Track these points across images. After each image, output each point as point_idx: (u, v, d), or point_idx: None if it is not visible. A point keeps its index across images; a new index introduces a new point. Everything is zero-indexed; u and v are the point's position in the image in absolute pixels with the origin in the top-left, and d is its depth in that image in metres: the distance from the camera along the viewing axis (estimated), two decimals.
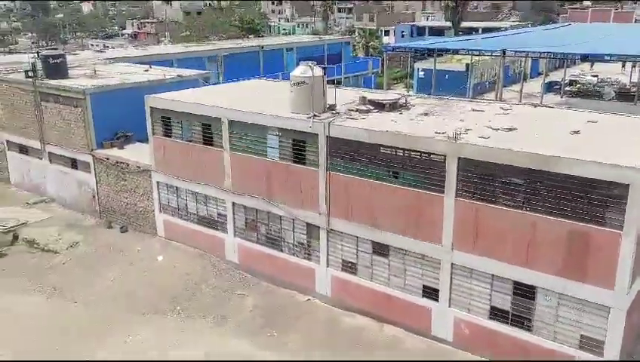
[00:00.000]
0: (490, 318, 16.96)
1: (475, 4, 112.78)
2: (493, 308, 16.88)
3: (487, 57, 46.80)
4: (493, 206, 16.09)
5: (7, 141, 31.92)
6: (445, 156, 16.58)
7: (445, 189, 16.75)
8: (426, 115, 20.12)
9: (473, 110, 20.82)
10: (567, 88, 48.23)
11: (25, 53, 44.83)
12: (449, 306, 17.65)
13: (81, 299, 21.98)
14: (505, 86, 44.89)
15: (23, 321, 20.52)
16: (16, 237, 26.73)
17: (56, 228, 27.04)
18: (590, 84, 49.17)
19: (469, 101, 24.52)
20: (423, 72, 51.13)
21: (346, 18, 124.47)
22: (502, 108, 21.38)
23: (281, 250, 21.51)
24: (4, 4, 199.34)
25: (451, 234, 17.00)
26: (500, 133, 17.43)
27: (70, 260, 24.77)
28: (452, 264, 17.26)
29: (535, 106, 22.96)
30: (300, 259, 21.05)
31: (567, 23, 74.88)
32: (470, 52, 43.71)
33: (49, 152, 29.64)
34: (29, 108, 29.70)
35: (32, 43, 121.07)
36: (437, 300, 17.86)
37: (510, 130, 17.72)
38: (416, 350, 17.87)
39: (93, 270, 23.78)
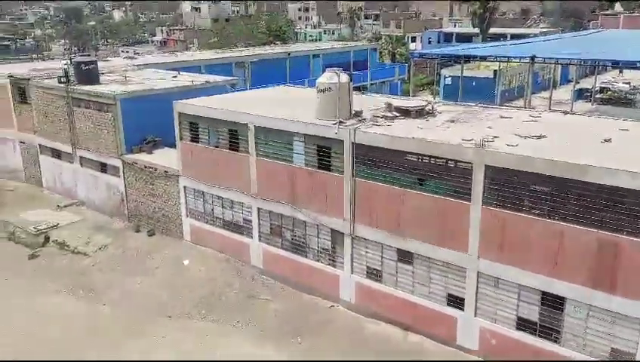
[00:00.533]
0: (518, 329, 16.68)
1: (504, 11, 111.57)
2: (520, 318, 16.60)
3: (515, 64, 46.22)
4: (520, 214, 15.85)
5: (40, 145, 32.71)
6: (472, 164, 16.41)
7: (472, 197, 16.58)
8: (452, 122, 19.96)
9: (501, 117, 20.58)
10: (597, 95, 47.27)
11: (58, 59, 45.99)
12: (475, 315, 17.42)
13: (110, 301, 22.36)
14: (534, 93, 44.23)
15: (53, 322, 20.95)
16: (47, 239, 27.34)
17: (86, 231, 27.58)
18: (622, 91, 48.07)
19: (496, 108, 24.25)
20: (449, 79, 50.72)
21: (373, 25, 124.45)
22: (531, 115, 21.08)
23: (306, 256, 21.53)
24: (39, 12, 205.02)
25: (477, 242, 16.79)
26: (528, 140, 17.18)
27: (99, 262, 25.23)
28: (478, 273, 17.04)
29: (565, 114, 22.59)
30: (324, 265, 21.04)
31: (598, 30, 73.52)
32: (498, 58, 43.19)
33: (80, 156, 30.27)
34: (62, 114, 30.40)
35: (65, 49, 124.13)
36: (462, 309, 17.65)
37: (539, 137, 17.46)
38: (441, 359, 17.68)
39: (121, 272, 24.17)
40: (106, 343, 19.45)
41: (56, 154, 31.94)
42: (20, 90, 32.74)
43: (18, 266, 25.77)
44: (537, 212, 15.58)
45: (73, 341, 19.60)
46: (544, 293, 15.95)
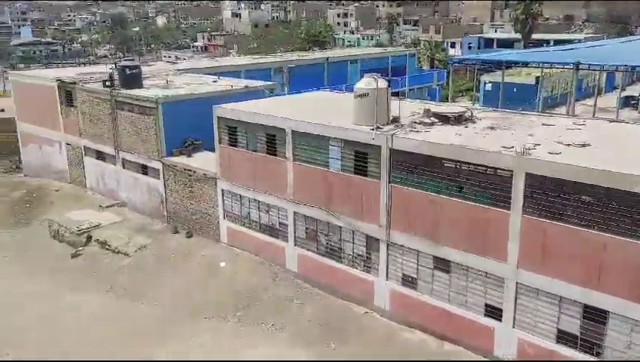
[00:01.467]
0: (557, 341, 16.21)
1: (547, 16, 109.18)
2: (560, 331, 16.13)
3: (558, 70, 45.13)
4: (562, 224, 15.43)
5: (85, 147, 33.69)
6: (512, 171, 16.09)
7: (511, 205, 16.25)
8: (492, 128, 19.63)
9: (543, 124, 20.13)
10: None
11: (103, 63, 47.36)
12: (513, 327, 17.03)
13: (148, 301, 22.81)
14: (577, 100, 43.08)
15: (92, 320, 21.51)
16: (89, 239, 28.10)
17: (126, 231, 28.23)
18: None
19: (538, 115, 23.73)
20: (490, 85, 49.93)
21: (412, 30, 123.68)
22: (574, 123, 20.54)
23: (341, 261, 21.48)
24: (86, 18, 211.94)
25: (517, 252, 16.44)
26: (571, 148, 16.74)
27: (138, 262, 25.77)
28: (517, 283, 16.66)
29: (610, 122, 21.90)
30: (359, 271, 20.94)
31: None
32: (541, 64, 42.29)
33: (122, 158, 31.02)
34: (106, 116, 31.26)
35: (110, 54, 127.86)
36: (500, 320, 17.28)
37: (583, 145, 16.98)
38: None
39: (159, 273, 24.63)
40: (143, 342, 19.83)
41: (100, 155, 32.83)
42: (67, 94, 33.82)
43: (61, 264, 26.60)
44: (580, 222, 15.14)
45: (113, 340, 20.06)
46: (586, 306, 15.46)
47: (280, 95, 34.06)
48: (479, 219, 17.05)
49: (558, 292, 15.88)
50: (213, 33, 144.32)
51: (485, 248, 17.12)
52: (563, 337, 16.11)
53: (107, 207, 31.49)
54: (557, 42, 69.79)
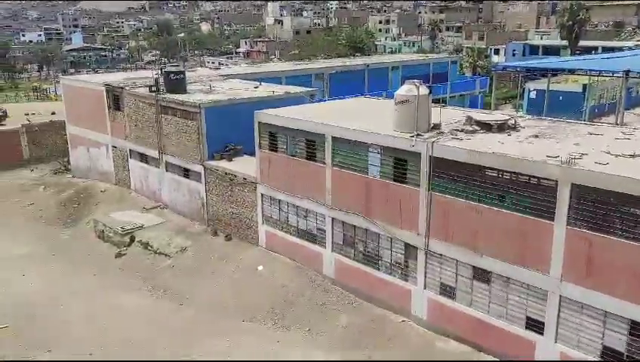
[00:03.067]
0: (602, 358, 15.64)
1: (595, 23, 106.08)
2: (605, 347, 15.57)
3: (606, 78, 43.78)
4: (609, 237, 14.93)
5: (130, 150, 34.58)
6: (557, 181, 15.70)
7: (555, 216, 15.85)
8: (536, 137, 19.22)
9: (590, 134, 19.57)
10: None
11: (149, 69, 48.52)
12: (555, 341, 16.55)
13: (187, 302, 23.19)
14: (627, 109, 41.67)
15: (133, 319, 21.99)
16: (132, 239, 28.80)
17: (168, 233, 28.80)
18: None
19: (585, 124, 23.07)
20: (534, 93, 48.88)
21: (454, 36, 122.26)
22: (623, 132, 19.87)
23: (378, 269, 21.35)
24: (134, 24, 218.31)
25: (560, 264, 16.01)
26: (620, 159, 16.19)
27: (179, 264, 26.25)
28: (560, 296, 16.21)
29: None
30: (397, 278, 20.77)
31: None
32: (588, 72, 41.10)
33: (165, 161, 31.68)
34: (151, 120, 32.01)
35: (156, 60, 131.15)
36: (542, 333, 16.83)
37: (632, 156, 16.40)
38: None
39: (198, 275, 25.02)
40: (182, 343, 20.15)
41: (144, 158, 33.61)
42: (115, 98, 34.81)
43: (106, 263, 27.35)
44: (628, 235, 14.60)
45: (153, 340, 20.45)
46: (633, 322, 14.88)
47: (320, 101, 34.18)
48: (521, 230, 16.68)
49: (603, 306, 15.36)
50: (255, 40, 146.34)
51: (527, 259, 16.73)
52: (608, 354, 15.54)
53: (150, 208, 32.19)
54: (605, 49, 67.71)
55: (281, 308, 21.91)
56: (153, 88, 31.42)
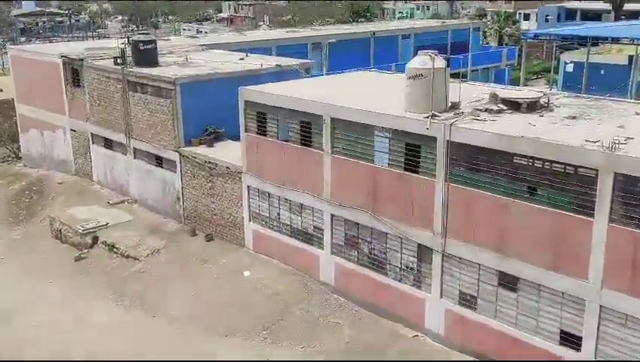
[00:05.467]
0: None
1: None
2: None
3: None
4: None
5: (92, 134, 34.46)
6: (597, 171, 15.70)
7: (596, 212, 15.87)
8: (573, 118, 19.22)
9: (637, 114, 19.58)
10: None
11: (114, 37, 48.32)
12: (595, 358, 16.63)
13: (160, 313, 23.22)
14: None
15: (98, 333, 22.01)
16: (95, 240, 28.75)
17: (137, 233, 28.78)
18: None
19: (631, 102, 23.04)
20: (571, 66, 48.86)
21: None
22: None
23: (386, 274, 21.39)
24: None
25: (601, 268, 16.06)
26: None
27: (150, 269, 26.25)
28: (600, 306, 16.27)
29: None
30: (408, 286, 20.82)
31: None
32: (635, 41, 41.02)
33: (134, 148, 31.61)
34: (116, 99, 31.90)
35: (122, 27, 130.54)
36: (579, 350, 16.93)
37: None
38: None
39: (174, 281, 25.04)
40: (152, 359, 20.18)
41: (109, 144, 33.55)
42: (73, 72, 34.61)
43: (63, 268, 27.33)
44: None
45: (121, 356, 20.46)
46: None
47: (318, 76, 34.08)
48: (555, 228, 16.72)
49: None
50: (240, 3, 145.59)
51: (562, 263, 16.77)
52: None
53: (116, 203, 32.13)
54: None
55: (272, 320, 21.95)
56: (119, 60, 31.23)
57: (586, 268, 16.34)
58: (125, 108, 31.30)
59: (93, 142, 34.64)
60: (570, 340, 17.12)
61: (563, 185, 16.53)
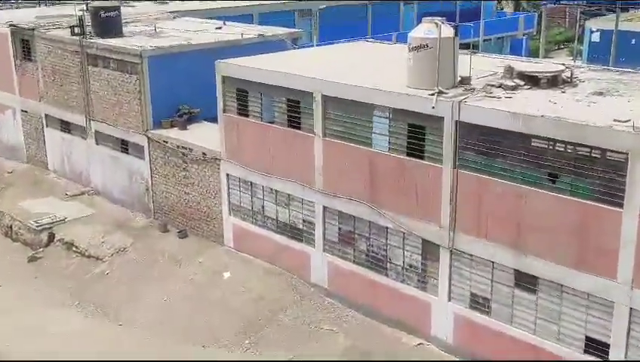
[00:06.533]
0: None
1: None
2: None
3: None
4: None
5: (47, 115, 34.26)
6: (627, 154, 15.78)
7: (625, 202, 15.95)
8: (600, 94, 19.30)
9: None
10: None
11: (71, 3, 47.81)
12: None
13: (127, 321, 23.22)
14: None
15: (57, 344, 21.94)
16: (52, 237, 28.69)
17: (100, 229, 28.67)
18: None
19: None
20: (597, 34, 48.95)
21: None
22: None
23: (386, 274, 21.48)
24: None
25: (631, 266, 16.15)
26: None
27: (116, 270, 26.22)
28: (631, 309, 16.39)
29: None
30: (412, 287, 20.92)
31: None
32: None
33: (95, 131, 31.47)
34: (75, 75, 31.71)
35: None
36: (606, 358, 17.05)
37: None
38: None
39: (143, 285, 25.03)
40: None
41: (66, 127, 33.38)
42: (24, 43, 34.38)
43: (15, 270, 27.25)
44: None
45: None
46: None
47: (307, 47, 34.01)
48: (580, 221, 16.80)
49: None
50: None
51: (587, 260, 16.87)
52: None
53: (75, 195, 32.05)
54: None
55: (256, 328, 22.01)
56: (77, 30, 31.04)
57: (614, 266, 16.42)
58: (85, 86, 31.12)
59: (47, 125, 34.47)
60: (596, 347, 17.24)
61: (588, 171, 16.58)
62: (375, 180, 20.91)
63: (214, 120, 26.18)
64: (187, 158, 27.14)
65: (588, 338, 17.39)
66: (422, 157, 19.74)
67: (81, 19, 30.97)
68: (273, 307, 22.81)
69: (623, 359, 15.82)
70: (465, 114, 18.41)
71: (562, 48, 61.32)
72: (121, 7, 33.71)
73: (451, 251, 19.58)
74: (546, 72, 20.44)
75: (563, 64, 23.07)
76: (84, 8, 31.78)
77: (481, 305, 19.36)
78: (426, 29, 19.88)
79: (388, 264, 21.44)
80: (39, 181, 34.16)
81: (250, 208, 25.34)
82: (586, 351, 17.45)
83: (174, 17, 37.77)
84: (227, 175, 25.73)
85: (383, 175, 20.68)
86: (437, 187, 19.40)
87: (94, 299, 24.66)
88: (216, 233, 26.85)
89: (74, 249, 27.83)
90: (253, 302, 23.13)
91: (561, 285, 17.54)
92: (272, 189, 24.29)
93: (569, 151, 16.84)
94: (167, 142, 27.83)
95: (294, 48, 30.57)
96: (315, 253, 23.38)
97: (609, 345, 16.99)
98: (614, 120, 16.51)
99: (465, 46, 24.69)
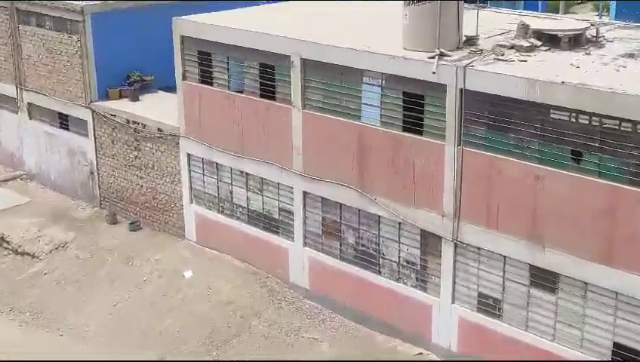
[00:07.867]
0: None
1: None
2: None
3: None
4: None
5: None
6: None
7: None
8: (631, 56, 19.38)
9: None
10: None
11: None
12: None
13: (70, 331, 23.15)
14: None
15: None
16: None
17: (35, 220, 28.54)
18: None
19: None
20: None
21: None
22: None
23: (379, 272, 21.57)
24: None
25: None
26: None
27: (55, 270, 26.08)
28: None
29: None
30: (409, 287, 21.03)
31: None
32: None
33: (29, 103, 31.19)
34: (3, 36, 31.39)
35: None
36: None
37: None
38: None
39: (88, 287, 24.96)
40: None
41: None
42: None
43: None
44: None
45: None
46: None
47: (283, 0, 33.82)
48: (608, 206, 16.89)
49: None
50: None
51: (617, 254, 16.99)
52: None
53: (5, 180, 31.92)
54: None
55: (224, 337, 22.05)
56: None
57: None
58: (15, 49, 30.85)
59: None
60: (626, 356, 17.39)
61: (617, 148, 16.65)
62: (365, 160, 20.93)
63: (172, 89, 26.08)
64: (139, 135, 27.00)
65: (616, 345, 17.53)
66: (420, 133, 19.77)
67: None
68: (244, 312, 22.84)
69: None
70: (471, 81, 18.42)
71: (584, 2, 61.40)
72: None
73: (455, 244, 19.66)
74: (568, 31, 20.51)
75: (587, 20, 23.18)
76: None
77: (491, 307, 19.48)
78: None
79: (380, 260, 21.51)
80: None
81: (216, 195, 25.29)
82: (613, 360, 17.62)
83: None
84: (188, 155, 25.64)
85: (375, 154, 20.69)
86: (438, 168, 19.45)
87: (30, 305, 24.54)
88: (175, 225, 26.81)
89: (5, 245, 27.73)
90: (222, 307, 23.14)
91: (586, 283, 17.65)
92: (241, 172, 24.25)
93: (595, 124, 16.89)
94: (115, 116, 27.69)
95: (268, 2, 30.42)
96: (294, 247, 23.42)
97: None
98: None
99: (472, 0, 24.69)
